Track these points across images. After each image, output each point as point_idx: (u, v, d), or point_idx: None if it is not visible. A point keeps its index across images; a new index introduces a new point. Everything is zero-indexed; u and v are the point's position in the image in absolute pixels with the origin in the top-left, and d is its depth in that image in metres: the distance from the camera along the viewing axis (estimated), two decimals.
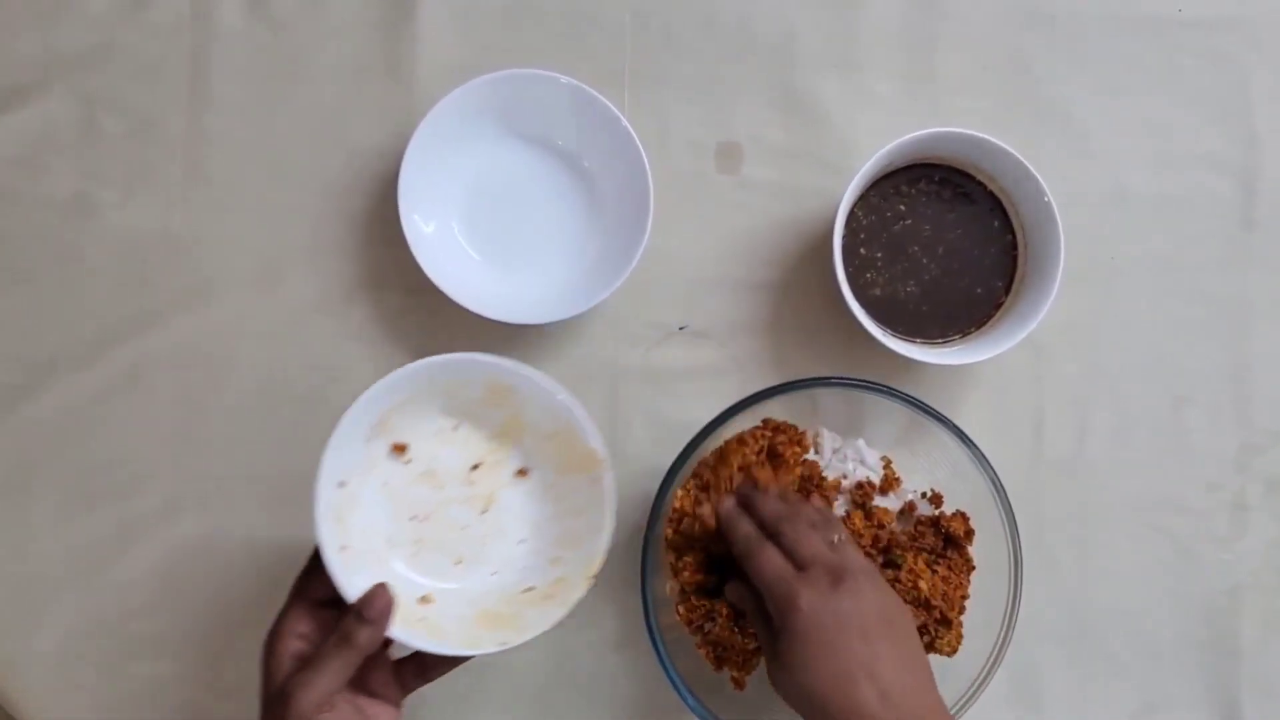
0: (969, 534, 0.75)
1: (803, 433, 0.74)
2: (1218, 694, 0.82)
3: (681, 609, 0.73)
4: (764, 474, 0.72)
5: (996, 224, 0.78)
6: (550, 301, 0.77)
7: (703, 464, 0.74)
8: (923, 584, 0.71)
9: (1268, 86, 0.84)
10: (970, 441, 0.75)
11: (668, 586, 0.74)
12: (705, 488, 0.73)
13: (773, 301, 0.82)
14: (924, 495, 0.77)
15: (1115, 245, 0.83)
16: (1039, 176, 0.74)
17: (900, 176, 0.78)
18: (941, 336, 0.78)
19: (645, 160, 0.75)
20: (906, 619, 0.63)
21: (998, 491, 0.74)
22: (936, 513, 0.76)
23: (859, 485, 0.75)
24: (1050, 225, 0.74)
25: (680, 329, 0.81)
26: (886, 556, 0.73)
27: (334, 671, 0.58)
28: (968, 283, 0.78)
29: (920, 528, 0.75)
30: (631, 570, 0.76)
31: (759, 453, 0.73)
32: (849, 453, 0.77)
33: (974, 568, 0.75)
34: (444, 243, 0.79)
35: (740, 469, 0.72)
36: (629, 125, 0.76)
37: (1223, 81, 0.84)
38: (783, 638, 0.60)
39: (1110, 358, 0.83)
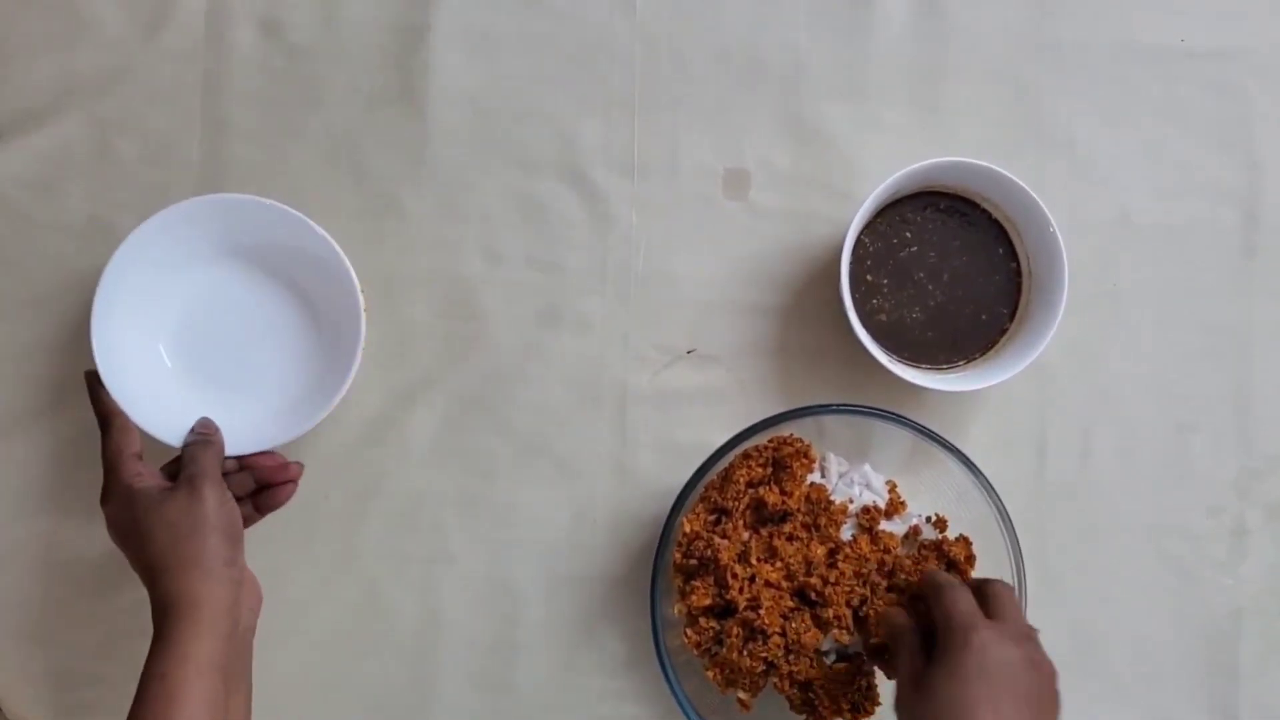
0: (970, 559, 0.78)
1: (808, 445, 0.78)
2: (1219, 716, 0.85)
3: (690, 632, 0.76)
4: (773, 497, 0.76)
5: (1001, 251, 0.83)
6: (267, 426, 0.79)
7: (710, 487, 0.78)
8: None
9: (1270, 115, 0.87)
10: (974, 467, 0.78)
11: (675, 609, 0.77)
12: (714, 510, 0.78)
13: (780, 326, 0.85)
14: (929, 519, 0.80)
15: (1119, 272, 0.86)
16: (1044, 205, 0.78)
17: (906, 204, 0.82)
18: (947, 362, 0.83)
19: (355, 282, 0.77)
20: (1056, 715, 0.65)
21: (1001, 516, 0.78)
22: (940, 537, 0.79)
23: (865, 509, 0.79)
24: (1055, 253, 0.78)
25: (689, 352, 0.85)
26: (890, 581, 0.77)
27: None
28: (973, 309, 0.83)
29: (924, 551, 0.78)
30: (639, 594, 0.79)
31: (765, 465, 0.77)
32: (855, 477, 0.80)
33: None
34: (146, 369, 0.79)
35: (747, 485, 0.77)
36: (337, 246, 0.77)
37: (1225, 110, 0.87)
38: (941, 665, 0.62)
39: (1113, 383, 0.86)
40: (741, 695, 0.77)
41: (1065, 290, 0.78)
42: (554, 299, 0.85)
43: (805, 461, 0.78)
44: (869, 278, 0.82)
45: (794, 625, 0.74)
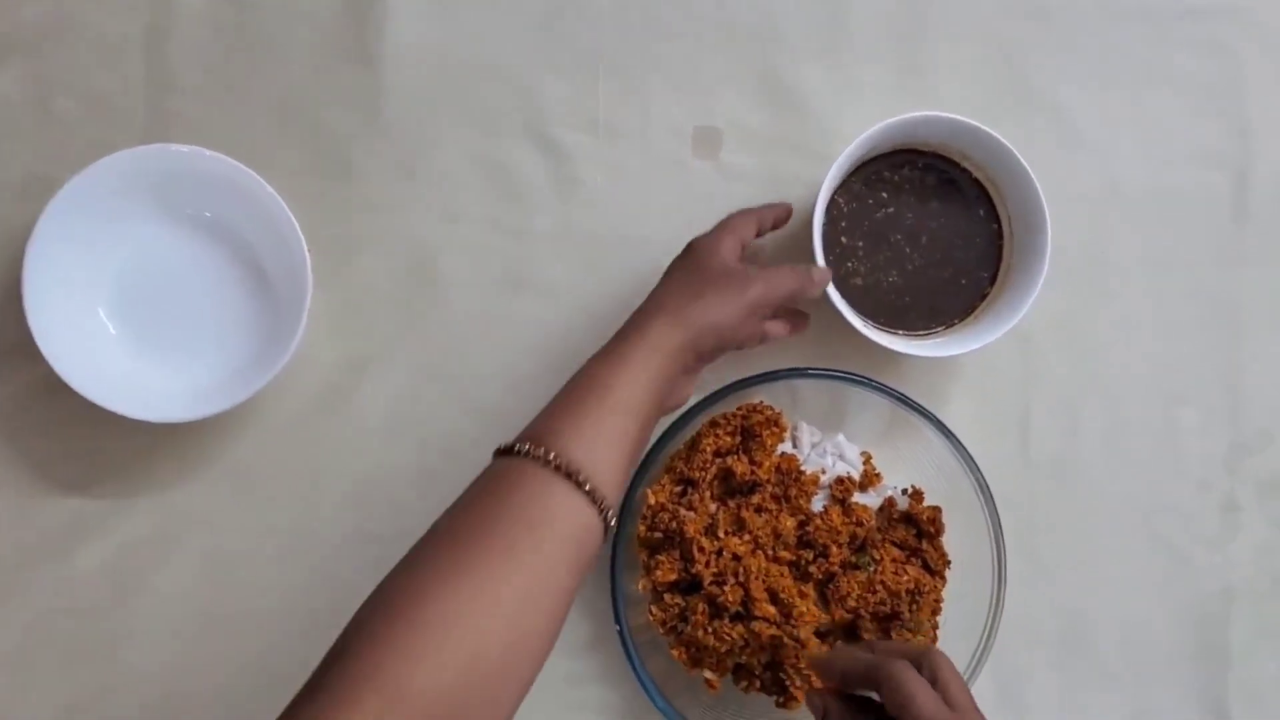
0: (938, 526, 0.77)
1: (779, 413, 0.76)
2: (1208, 701, 0.84)
3: (654, 608, 0.75)
4: (741, 467, 0.75)
5: (982, 213, 0.80)
6: (209, 391, 0.77)
7: (675, 457, 0.77)
8: (887, 576, 0.74)
9: (1262, 77, 0.85)
10: (954, 437, 0.77)
11: (639, 585, 0.76)
12: (680, 481, 0.76)
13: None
14: (904, 492, 0.79)
15: (1106, 240, 0.85)
16: (1026, 164, 0.76)
17: (883, 163, 0.80)
18: (925, 328, 0.80)
19: (301, 237, 0.76)
20: None
21: (982, 489, 0.77)
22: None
23: (838, 480, 0.77)
24: (1037, 214, 0.76)
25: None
26: (859, 557, 0.75)
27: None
28: (952, 273, 0.81)
29: (893, 522, 0.77)
30: (603, 570, 0.77)
31: (733, 433, 0.75)
32: (828, 447, 0.79)
33: (949, 562, 0.77)
34: (83, 330, 0.77)
35: (715, 455, 0.75)
36: (282, 200, 0.76)
37: (1217, 72, 0.85)
38: None
39: (1100, 356, 0.85)
40: (709, 675, 0.75)
41: (1048, 253, 0.76)
42: (516, 264, 0.83)
43: (775, 430, 0.77)
44: (844, 240, 0.80)
45: (798, 605, 0.72)
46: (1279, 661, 0.84)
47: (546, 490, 0.59)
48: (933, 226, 0.81)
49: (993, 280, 0.81)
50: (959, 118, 0.76)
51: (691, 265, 0.71)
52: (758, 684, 0.75)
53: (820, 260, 0.76)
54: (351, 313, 0.82)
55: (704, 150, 0.84)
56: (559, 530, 0.58)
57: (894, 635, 0.74)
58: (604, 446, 0.61)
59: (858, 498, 0.78)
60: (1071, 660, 0.84)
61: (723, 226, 0.73)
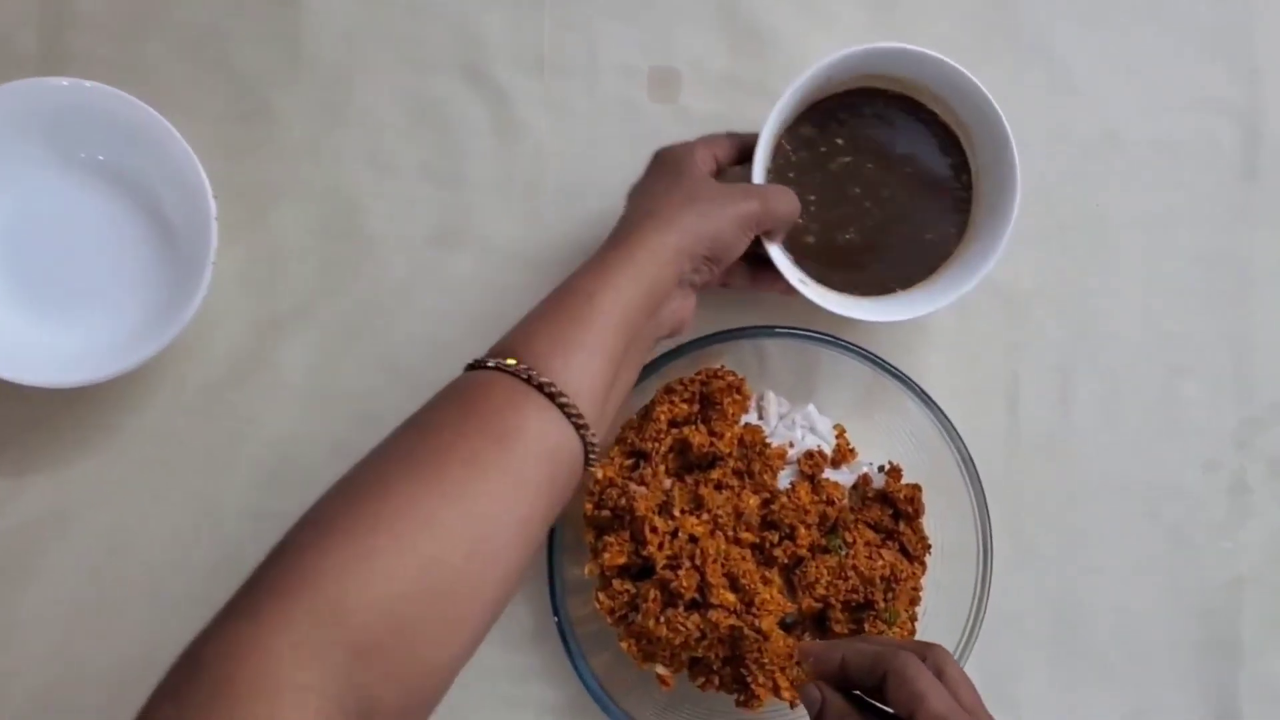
0: (917, 506, 0.72)
1: (742, 379, 0.72)
2: (1215, 700, 0.80)
3: (602, 596, 0.70)
4: (699, 438, 0.70)
5: (951, 161, 0.74)
6: (107, 353, 0.72)
7: (626, 426, 0.73)
8: (860, 561, 0.69)
9: (1273, 16, 0.81)
10: (936, 407, 0.73)
11: (586, 570, 0.71)
12: (631, 454, 0.72)
13: None
14: (880, 468, 0.74)
15: (1102, 195, 0.81)
16: (995, 103, 0.70)
17: (839, 103, 0.73)
18: (883, 290, 0.74)
19: (207, 184, 0.71)
20: None
21: (966, 466, 0.73)
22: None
23: (808, 455, 0.72)
24: (1006, 163, 0.69)
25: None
26: (829, 540, 0.71)
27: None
28: (914, 229, 0.73)
29: (867, 502, 0.73)
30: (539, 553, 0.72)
31: (690, 401, 0.71)
32: (798, 418, 0.74)
33: (929, 547, 0.73)
34: None
35: (670, 425, 0.71)
36: (184, 140, 0.72)
37: (1222, 11, 0.82)
38: None
39: (1095, 321, 0.81)
40: (661, 670, 0.70)
41: (1015, 209, 0.69)
42: (452, 217, 0.79)
43: (738, 398, 0.72)
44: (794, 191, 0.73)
45: (761, 592, 0.68)
46: None
47: (516, 403, 0.55)
48: (895, 177, 0.73)
49: (960, 236, 0.74)
50: (926, 50, 0.69)
51: (672, 173, 0.67)
52: (716, 681, 0.70)
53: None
54: (266, 269, 0.78)
55: (661, 93, 0.80)
56: (530, 447, 0.54)
57: (867, 627, 0.69)
58: (584, 360, 0.57)
59: (829, 474, 0.73)
60: (1065, 655, 0.80)
61: (698, 140, 0.70)
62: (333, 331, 0.78)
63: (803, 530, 0.70)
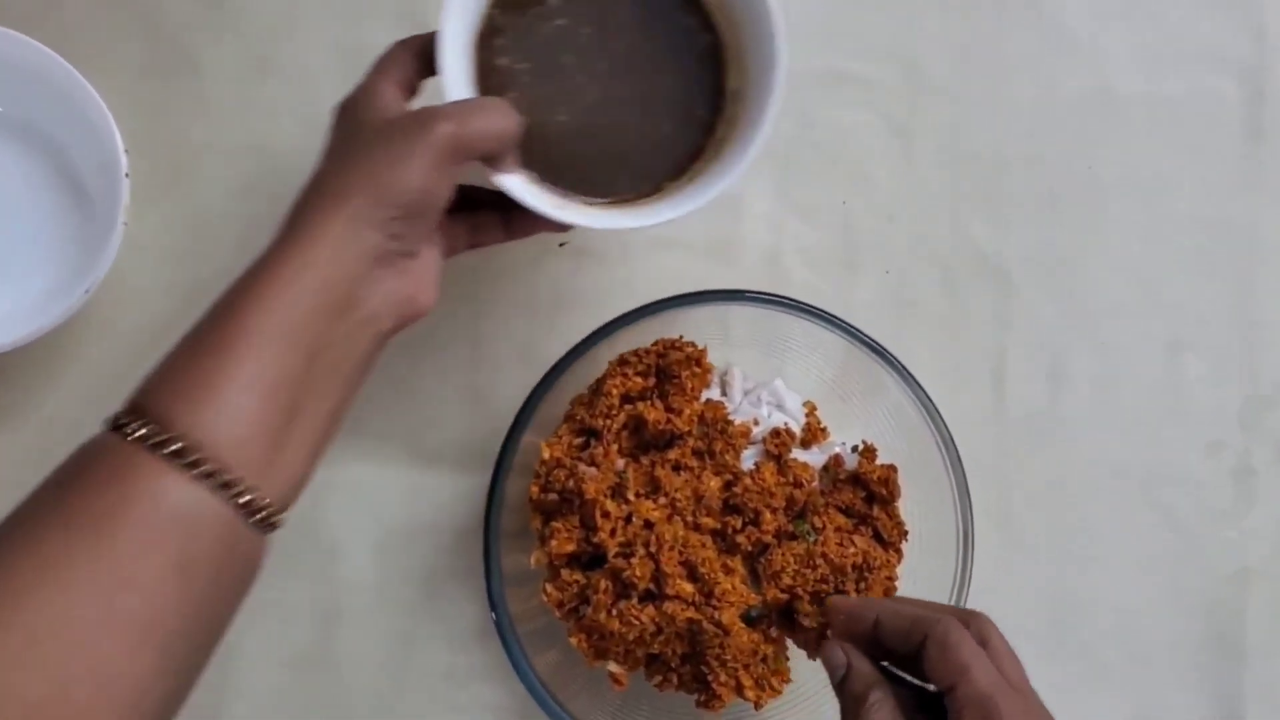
0: (891, 488, 0.68)
1: (702, 350, 0.68)
2: (1220, 702, 0.77)
3: (549, 587, 0.65)
4: (654, 414, 0.66)
5: (692, 22, 0.61)
6: (8, 321, 0.69)
7: (576, 402, 0.69)
8: (830, 549, 0.65)
9: None
10: (916, 383, 0.69)
11: (533, 559, 0.67)
12: (581, 432, 0.68)
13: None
14: (854, 449, 0.70)
15: (1097, 158, 0.78)
16: None
17: None
18: (612, 194, 0.62)
19: (118, 137, 0.68)
20: None
21: (946, 447, 0.69)
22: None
23: (774, 433, 0.68)
24: (762, 19, 0.58)
25: (560, 245, 0.75)
26: (797, 525, 0.66)
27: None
28: (651, 116, 0.62)
29: (839, 484, 0.69)
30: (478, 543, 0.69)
31: (646, 374, 0.67)
32: (764, 394, 0.70)
33: (906, 533, 0.69)
34: None
35: (623, 401, 0.67)
36: (95, 92, 0.68)
37: None
38: None
39: (1090, 294, 0.78)
40: (614, 668, 0.66)
41: (780, 71, 0.58)
42: None
43: (697, 371, 0.68)
44: (500, 62, 0.60)
45: (721, 582, 0.64)
46: None
47: (121, 473, 0.44)
48: (620, 45, 0.61)
49: (709, 130, 0.62)
50: None
51: (346, 127, 0.56)
52: (675, 680, 0.66)
53: (465, 92, 0.58)
54: (189, 234, 0.74)
55: None
56: (138, 529, 0.43)
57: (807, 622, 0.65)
58: (232, 398, 0.46)
59: (797, 454, 0.68)
60: (1059, 653, 0.77)
61: (373, 69, 0.58)
62: None
63: (768, 515, 0.66)
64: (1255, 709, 0.76)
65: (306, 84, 0.74)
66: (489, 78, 0.60)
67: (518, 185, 0.58)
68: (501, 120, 0.55)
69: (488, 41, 0.60)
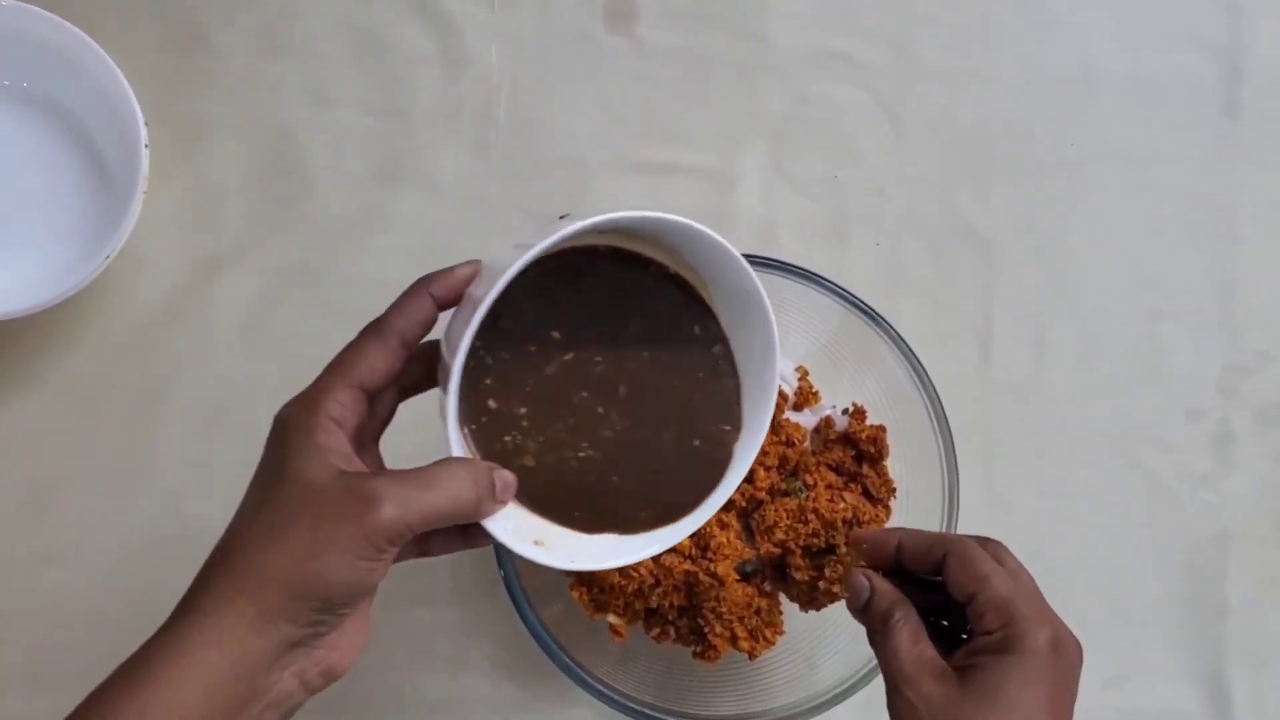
0: (880, 447, 0.70)
1: None
2: (1201, 661, 0.79)
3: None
4: None
5: (697, 329, 0.54)
6: (29, 287, 0.71)
7: None
8: (821, 504, 0.66)
9: None
10: (908, 348, 0.70)
11: None
12: None
13: (673, 188, 0.78)
14: (844, 411, 0.72)
15: (1079, 134, 0.80)
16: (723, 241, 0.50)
17: (536, 276, 0.51)
18: (654, 521, 0.55)
19: (138, 112, 0.70)
20: None
21: (934, 410, 0.70)
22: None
23: None
24: (759, 325, 0.52)
25: (561, 218, 0.75)
26: (789, 482, 0.69)
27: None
28: (676, 431, 0.55)
29: (829, 444, 0.71)
30: None
31: None
32: None
33: (894, 490, 0.71)
34: None
35: None
36: (116, 67, 0.70)
37: None
38: (1009, 662, 0.50)
39: (1072, 264, 0.80)
40: (613, 620, 0.68)
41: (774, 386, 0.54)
42: (396, 152, 0.77)
43: None
44: (491, 404, 0.52)
45: (717, 535, 0.67)
46: None
47: None
48: (633, 364, 0.54)
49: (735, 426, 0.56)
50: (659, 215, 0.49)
51: (273, 469, 0.47)
52: (672, 633, 0.68)
53: (453, 434, 0.49)
54: (202, 206, 0.76)
55: (617, 23, 0.79)
56: None
57: (828, 572, 0.66)
58: None
59: (789, 415, 0.71)
60: None
61: (330, 369, 0.51)
62: (270, 271, 0.76)
63: (761, 473, 0.68)
64: (1237, 669, 0.78)
65: (316, 62, 0.77)
66: (475, 416, 0.52)
67: (499, 529, 0.50)
68: (460, 493, 0.47)
69: (476, 381, 0.51)
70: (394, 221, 0.77)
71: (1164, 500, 0.79)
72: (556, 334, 0.53)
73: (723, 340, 0.55)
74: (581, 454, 0.54)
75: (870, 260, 0.78)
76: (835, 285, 0.70)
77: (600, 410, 0.54)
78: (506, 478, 0.50)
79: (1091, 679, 0.74)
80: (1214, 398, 0.79)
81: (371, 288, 0.74)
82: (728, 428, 0.55)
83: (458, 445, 0.49)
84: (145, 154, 0.69)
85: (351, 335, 0.74)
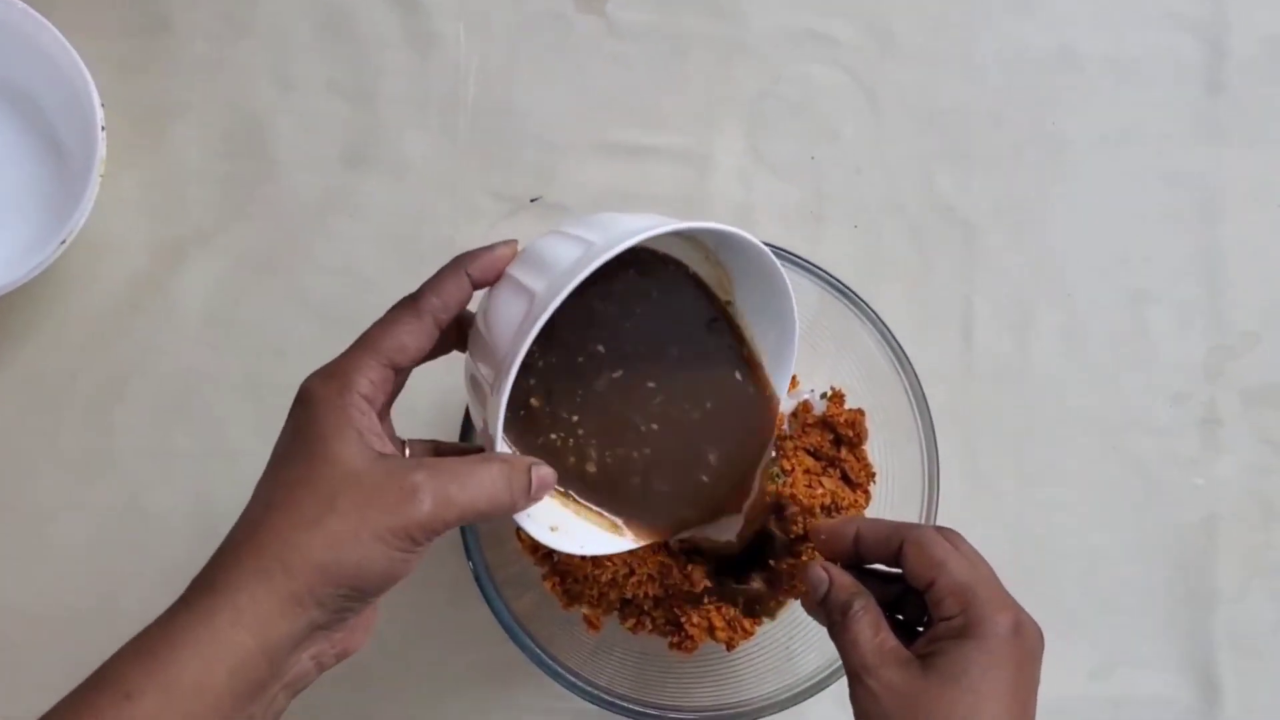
0: (859, 431, 0.70)
1: None
2: (1189, 649, 0.78)
3: (523, 531, 0.66)
4: None
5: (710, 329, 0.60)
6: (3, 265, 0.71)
7: None
8: (799, 490, 0.66)
9: None
10: (887, 330, 0.70)
11: None
12: None
13: (645, 170, 0.77)
14: (822, 395, 0.71)
15: (1060, 114, 0.80)
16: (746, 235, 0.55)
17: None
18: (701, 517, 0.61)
19: (95, 93, 0.70)
20: None
21: (914, 394, 0.70)
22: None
23: None
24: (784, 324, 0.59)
25: (532, 201, 0.77)
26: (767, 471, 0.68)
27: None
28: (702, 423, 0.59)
29: (807, 428, 0.70)
30: None
31: None
32: None
33: (873, 475, 0.70)
34: None
35: None
36: (71, 48, 0.70)
37: None
38: (970, 646, 0.50)
39: (1055, 246, 0.79)
40: (587, 612, 0.68)
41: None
42: (362, 135, 0.77)
43: None
44: (533, 403, 0.56)
45: None
46: (1276, 603, 0.78)
47: None
48: (669, 381, 0.58)
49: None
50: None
51: (301, 448, 0.47)
52: (648, 624, 0.68)
53: (499, 435, 0.50)
54: (164, 190, 0.76)
55: (589, 4, 0.78)
56: None
57: (805, 557, 0.66)
58: None
59: None
60: (1025, 600, 0.72)
61: (362, 341, 0.50)
62: (235, 257, 0.76)
63: None
64: (1227, 657, 0.77)
65: (280, 44, 0.76)
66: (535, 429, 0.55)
67: (522, 514, 0.52)
68: (499, 495, 0.48)
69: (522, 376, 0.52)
70: (361, 205, 0.76)
71: (1150, 485, 0.78)
72: (601, 347, 0.56)
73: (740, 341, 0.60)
74: (642, 452, 0.58)
75: (849, 242, 0.77)
76: (813, 266, 0.69)
77: (638, 423, 0.58)
78: (545, 476, 0.50)
79: (1078, 668, 0.77)
80: (1200, 380, 0.79)
81: (339, 274, 0.76)
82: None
83: (502, 444, 0.50)
84: (102, 137, 0.69)
85: (321, 324, 0.74)
